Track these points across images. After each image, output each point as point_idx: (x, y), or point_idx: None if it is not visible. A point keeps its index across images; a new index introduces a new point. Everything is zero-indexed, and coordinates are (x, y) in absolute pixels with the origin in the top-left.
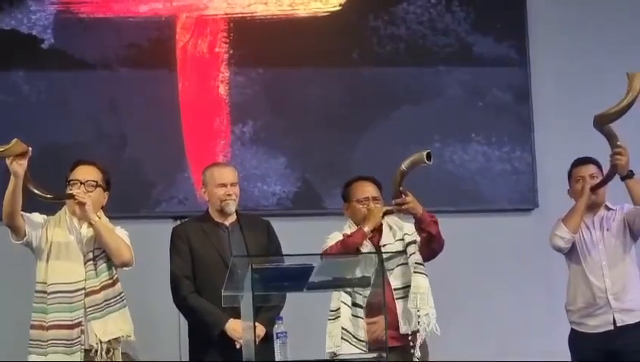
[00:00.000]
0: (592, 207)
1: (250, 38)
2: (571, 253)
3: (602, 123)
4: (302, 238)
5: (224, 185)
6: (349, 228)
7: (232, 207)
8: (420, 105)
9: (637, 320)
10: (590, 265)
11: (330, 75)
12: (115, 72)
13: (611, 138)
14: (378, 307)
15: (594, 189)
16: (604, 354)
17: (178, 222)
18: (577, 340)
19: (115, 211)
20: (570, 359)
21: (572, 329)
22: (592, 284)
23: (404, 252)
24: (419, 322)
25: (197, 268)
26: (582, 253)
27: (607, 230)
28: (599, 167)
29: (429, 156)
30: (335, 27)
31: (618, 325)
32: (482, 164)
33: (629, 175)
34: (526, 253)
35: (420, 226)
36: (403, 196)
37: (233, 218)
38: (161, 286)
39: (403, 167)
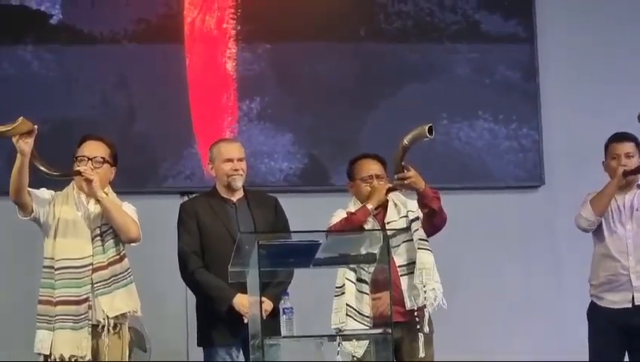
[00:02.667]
0: (624, 187)
1: (258, 14)
2: (598, 230)
3: None
4: (309, 215)
5: (231, 161)
6: (354, 205)
7: (239, 182)
8: (428, 83)
9: None
10: (616, 243)
11: (337, 51)
12: (124, 47)
13: None
14: (383, 283)
15: (627, 174)
16: (621, 329)
17: (185, 198)
18: (595, 313)
19: (123, 186)
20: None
21: (592, 301)
22: (616, 261)
23: (408, 228)
24: (425, 297)
25: (205, 244)
26: (608, 230)
27: (637, 210)
28: (637, 144)
29: (430, 130)
30: (342, 4)
31: (636, 303)
32: (489, 141)
33: None
34: (532, 230)
35: (422, 201)
36: (405, 171)
37: (240, 194)
38: (168, 262)
39: (405, 141)
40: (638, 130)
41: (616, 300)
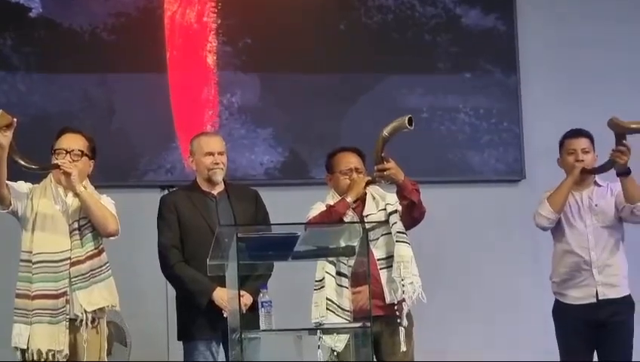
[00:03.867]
0: (581, 183)
1: (239, 8)
2: (557, 227)
3: (617, 131)
4: (289, 208)
5: (212, 154)
6: (332, 198)
7: (219, 176)
8: (408, 76)
9: (619, 296)
10: (577, 238)
11: (317, 45)
12: (103, 41)
13: (619, 136)
14: (362, 276)
15: (584, 173)
16: (588, 324)
17: (166, 192)
18: (561, 310)
19: (103, 180)
20: (554, 329)
21: (556, 299)
22: (578, 256)
23: (386, 221)
24: (404, 291)
25: (185, 238)
26: (568, 226)
27: (596, 205)
28: (591, 140)
29: (410, 121)
30: None
31: (600, 298)
32: (470, 135)
33: (627, 172)
34: (513, 223)
35: (401, 194)
36: (385, 162)
37: (221, 187)
38: (148, 256)
39: (385, 133)
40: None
41: (580, 296)
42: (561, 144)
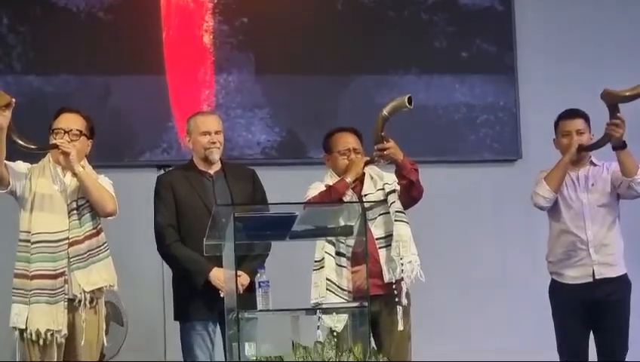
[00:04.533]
0: (577, 162)
1: None
2: (554, 207)
3: (611, 101)
4: (287, 187)
5: (208, 133)
6: (330, 178)
7: (216, 155)
8: (405, 56)
9: (616, 275)
10: (573, 218)
11: (314, 25)
12: (99, 20)
13: (613, 108)
14: (361, 256)
15: (581, 150)
16: (584, 304)
17: (162, 171)
18: (557, 290)
19: (100, 160)
20: (550, 308)
21: (552, 279)
22: (574, 235)
23: (385, 201)
24: (402, 270)
25: (181, 217)
26: (565, 206)
27: (592, 185)
28: (587, 120)
29: (410, 100)
30: None
31: (597, 277)
32: (466, 115)
33: (622, 146)
34: (509, 203)
35: (400, 173)
36: (384, 142)
37: (218, 166)
38: (145, 236)
39: (384, 112)
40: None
41: (576, 275)
42: (556, 125)
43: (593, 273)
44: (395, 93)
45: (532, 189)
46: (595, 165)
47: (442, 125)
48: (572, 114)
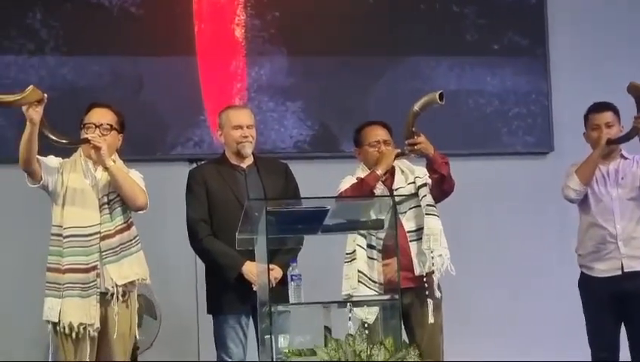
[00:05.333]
0: (608, 156)
1: None
2: (584, 200)
3: (637, 93)
4: (319, 181)
5: (240, 127)
6: (362, 171)
7: (248, 149)
8: (436, 49)
9: None
10: (602, 211)
11: (346, 19)
12: (132, 15)
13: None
14: (392, 249)
15: (610, 143)
16: (614, 297)
17: (194, 165)
18: (586, 284)
19: (132, 154)
20: (580, 301)
21: (581, 272)
22: (603, 229)
23: (416, 195)
24: (433, 263)
25: (213, 211)
26: (594, 199)
27: (622, 178)
28: (616, 113)
29: (441, 96)
30: None
31: (626, 270)
32: (498, 108)
33: None
34: (541, 196)
35: (431, 167)
36: (415, 136)
37: (250, 160)
38: (177, 229)
39: (416, 107)
40: None
41: (605, 269)
42: (586, 119)
43: (622, 266)
44: (426, 86)
45: (563, 182)
46: (625, 158)
47: (474, 118)
48: (601, 107)
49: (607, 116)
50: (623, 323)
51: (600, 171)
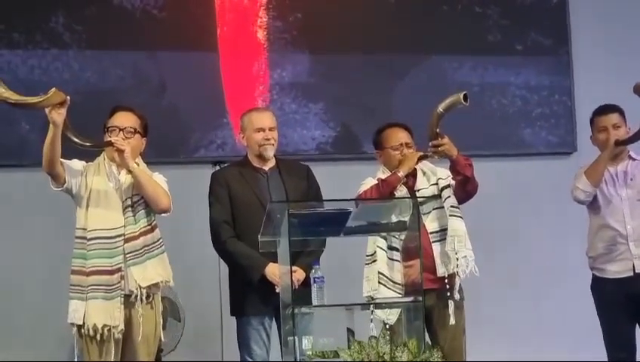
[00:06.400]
0: (616, 157)
1: None
2: (593, 202)
3: None
4: (341, 183)
5: (262, 130)
6: (383, 173)
7: (270, 151)
8: (459, 50)
9: None
10: (612, 213)
11: (369, 19)
12: (154, 18)
13: None
14: (414, 250)
15: (618, 144)
16: (626, 297)
17: (217, 167)
18: (599, 286)
19: (155, 156)
20: None
21: (593, 275)
22: (614, 230)
23: (438, 196)
24: (457, 264)
25: (236, 214)
26: (604, 200)
27: (631, 179)
28: (622, 114)
29: (465, 97)
30: None
31: (637, 271)
32: (521, 108)
33: None
34: (564, 196)
35: (455, 169)
36: (439, 138)
37: (272, 163)
38: (200, 232)
39: (440, 108)
40: None
41: (617, 270)
42: (592, 122)
43: (634, 267)
44: (449, 87)
45: (572, 183)
46: (633, 159)
47: (497, 118)
48: (607, 109)
49: (614, 118)
50: (637, 324)
51: (609, 172)
